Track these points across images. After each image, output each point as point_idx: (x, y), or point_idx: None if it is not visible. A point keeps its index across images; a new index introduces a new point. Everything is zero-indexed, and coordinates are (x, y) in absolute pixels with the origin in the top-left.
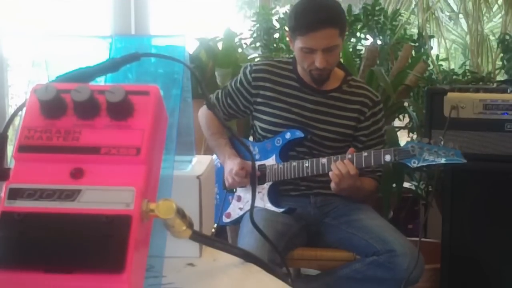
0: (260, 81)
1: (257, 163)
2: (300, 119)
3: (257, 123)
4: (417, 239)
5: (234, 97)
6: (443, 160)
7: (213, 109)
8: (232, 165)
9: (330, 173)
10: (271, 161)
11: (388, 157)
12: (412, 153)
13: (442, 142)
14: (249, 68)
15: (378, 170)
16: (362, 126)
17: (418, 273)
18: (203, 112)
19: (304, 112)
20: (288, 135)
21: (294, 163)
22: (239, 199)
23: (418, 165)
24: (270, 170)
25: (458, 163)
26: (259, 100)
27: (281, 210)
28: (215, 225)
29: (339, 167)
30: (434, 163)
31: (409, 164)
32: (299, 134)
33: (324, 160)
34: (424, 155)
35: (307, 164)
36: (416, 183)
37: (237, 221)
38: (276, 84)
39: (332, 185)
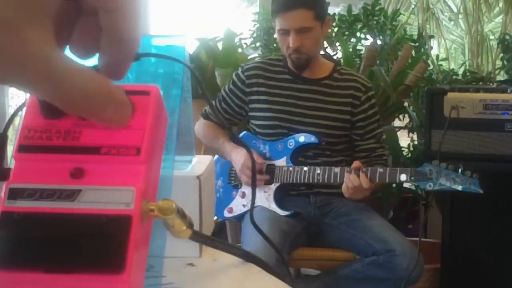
0: (254, 78)
1: (267, 162)
2: (295, 110)
3: (253, 122)
4: (417, 239)
5: (228, 100)
6: (459, 188)
7: (213, 110)
8: (239, 159)
9: (343, 186)
10: (281, 162)
11: (403, 177)
12: (429, 176)
13: (460, 170)
14: (240, 69)
15: (383, 154)
16: (359, 110)
17: (417, 273)
18: (199, 124)
19: (299, 102)
20: (302, 139)
21: (306, 168)
22: (243, 195)
23: (433, 189)
24: (279, 171)
25: (474, 192)
26: (253, 98)
27: (287, 213)
28: (215, 217)
29: (352, 181)
30: (450, 189)
31: (424, 187)
32: (314, 139)
33: (336, 170)
34: (441, 180)
35: (318, 171)
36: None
37: (239, 217)
38: (269, 79)
39: (345, 194)
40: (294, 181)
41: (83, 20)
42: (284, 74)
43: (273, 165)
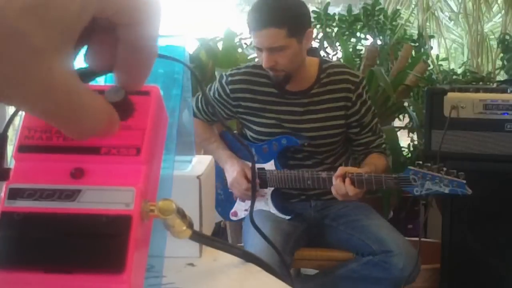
0: (239, 93)
1: (256, 165)
2: (290, 125)
3: (247, 131)
4: (417, 239)
5: (215, 106)
6: (446, 191)
7: (215, 113)
8: (232, 173)
9: (332, 191)
10: (270, 165)
11: (390, 183)
12: (414, 183)
13: (443, 171)
14: (225, 78)
15: (381, 143)
16: (352, 112)
17: (415, 273)
18: None
19: (291, 117)
20: (284, 141)
21: (295, 173)
22: (243, 200)
23: (421, 194)
24: (271, 175)
25: (462, 195)
26: (241, 110)
27: (287, 217)
28: (222, 221)
29: (339, 188)
30: (437, 193)
31: (412, 193)
32: (294, 142)
33: (324, 175)
34: (427, 184)
35: (307, 175)
36: None
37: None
38: (256, 93)
39: (337, 197)
40: (285, 186)
41: (97, 37)
42: (270, 87)
43: (263, 169)
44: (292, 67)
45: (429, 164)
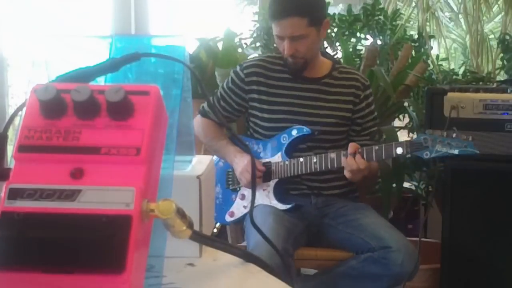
0: (253, 76)
1: (263, 160)
2: (298, 110)
3: (254, 120)
4: (417, 239)
5: (227, 98)
6: (456, 152)
7: (214, 110)
8: (242, 163)
9: (344, 171)
10: (276, 158)
11: (400, 150)
12: (424, 145)
13: (454, 134)
14: (239, 67)
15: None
16: (358, 108)
17: (415, 269)
18: (197, 121)
19: (300, 101)
20: (294, 132)
21: (302, 159)
22: (243, 197)
23: (431, 157)
24: (276, 167)
25: (471, 154)
26: (253, 96)
27: (288, 206)
28: (218, 224)
29: (350, 164)
30: (446, 154)
31: (421, 156)
32: (306, 130)
33: (333, 155)
34: (437, 147)
35: (315, 160)
36: (416, 183)
37: (240, 220)
38: (269, 78)
39: (347, 176)
40: (292, 174)
41: None
42: (284, 73)
43: (269, 162)
44: (310, 55)
45: (439, 131)
